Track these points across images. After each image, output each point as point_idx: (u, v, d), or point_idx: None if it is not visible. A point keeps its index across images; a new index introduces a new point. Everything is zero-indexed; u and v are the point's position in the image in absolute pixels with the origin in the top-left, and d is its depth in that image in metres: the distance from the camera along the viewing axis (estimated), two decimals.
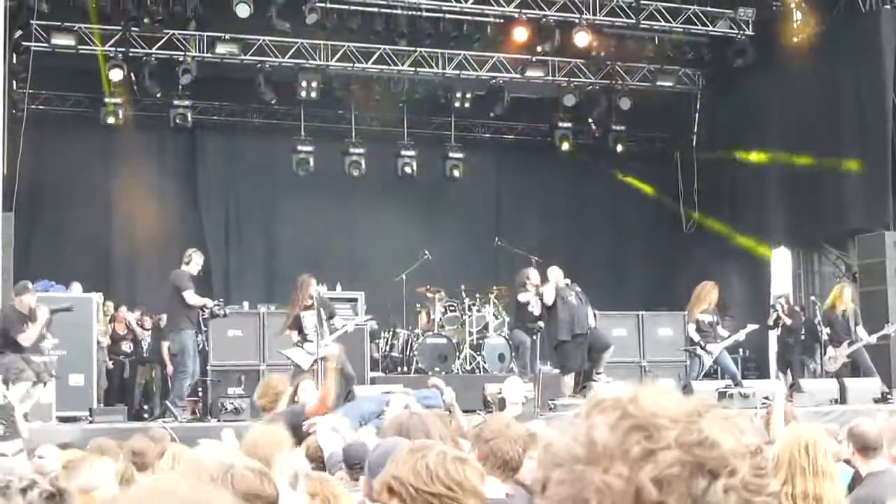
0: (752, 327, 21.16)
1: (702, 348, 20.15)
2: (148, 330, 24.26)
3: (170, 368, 23.39)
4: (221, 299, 19.73)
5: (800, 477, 6.32)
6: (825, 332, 20.92)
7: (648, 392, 1.81)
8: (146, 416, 21.66)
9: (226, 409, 17.72)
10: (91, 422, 17.53)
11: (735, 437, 1.78)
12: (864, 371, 20.49)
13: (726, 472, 1.75)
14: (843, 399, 19.26)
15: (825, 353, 21.08)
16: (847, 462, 8.25)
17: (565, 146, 29.57)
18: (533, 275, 20.16)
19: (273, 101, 27.01)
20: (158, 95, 26.20)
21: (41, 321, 17.10)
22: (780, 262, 28.39)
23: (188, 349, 18.29)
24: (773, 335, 24.78)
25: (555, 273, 19.63)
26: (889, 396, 19.23)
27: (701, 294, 20.40)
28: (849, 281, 23.94)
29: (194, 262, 18.84)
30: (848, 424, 8.34)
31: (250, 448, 6.76)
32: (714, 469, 1.74)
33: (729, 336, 20.60)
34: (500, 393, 16.51)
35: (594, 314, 19.89)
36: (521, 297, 20.20)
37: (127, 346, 23.83)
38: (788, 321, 23.95)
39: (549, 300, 19.04)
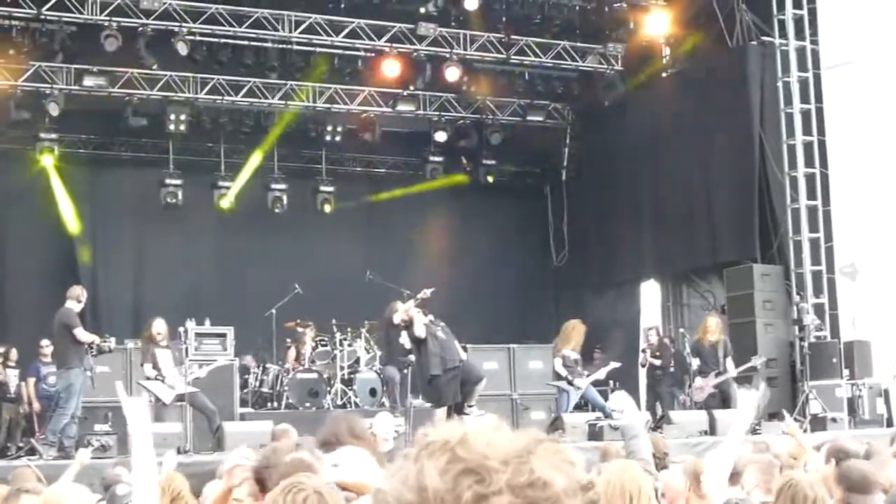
0: (614, 365, 21.51)
1: (569, 383, 20.32)
2: (13, 367, 23.75)
3: (36, 405, 22.96)
4: (108, 335, 19.45)
5: None
6: (694, 362, 21.18)
7: (478, 432, 1.78)
8: (10, 454, 21.18)
9: (92, 445, 17.36)
10: None
11: (566, 474, 1.75)
12: (734, 403, 20.72)
13: None
14: (712, 430, 19.44)
15: (693, 384, 21.35)
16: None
17: (437, 179, 29.60)
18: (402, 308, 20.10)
19: (141, 134, 26.73)
20: (26, 122, 25.69)
21: None
22: (650, 295, 28.72)
23: (73, 387, 17.96)
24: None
25: (404, 307, 19.60)
26: (758, 429, 19.41)
27: (569, 332, 20.65)
28: (717, 313, 24.24)
29: (80, 298, 18.57)
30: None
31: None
32: None
33: (590, 374, 20.86)
34: (370, 428, 16.42)
35: (464, 348, 19.93)
36: (395, 318, 19.94)
37: None
38: (657, 363, 24.25)
39: (420, 333, 18.99)
